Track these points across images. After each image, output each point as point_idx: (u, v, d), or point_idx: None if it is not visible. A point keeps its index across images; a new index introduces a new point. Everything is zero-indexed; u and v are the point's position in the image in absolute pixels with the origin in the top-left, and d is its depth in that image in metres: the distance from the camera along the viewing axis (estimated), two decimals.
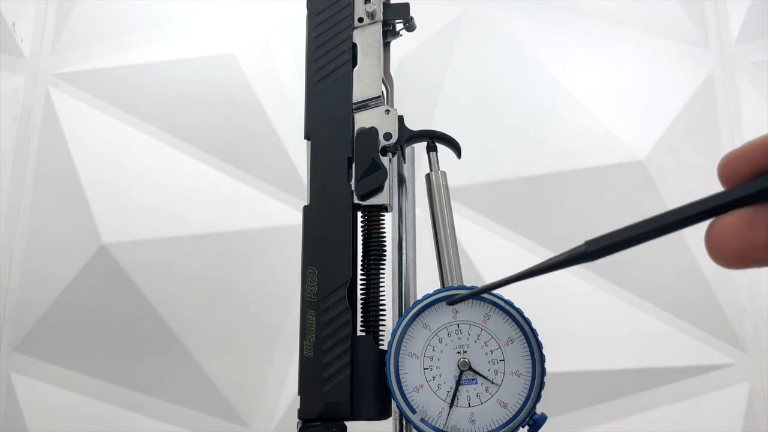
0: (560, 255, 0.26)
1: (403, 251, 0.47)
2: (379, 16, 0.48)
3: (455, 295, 0.39)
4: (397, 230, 0.48)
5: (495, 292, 0.39)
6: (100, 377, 0.91)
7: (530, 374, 0.38)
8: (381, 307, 0.45)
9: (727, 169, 0.23)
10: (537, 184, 0.99)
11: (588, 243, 0.25)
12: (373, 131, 0.45)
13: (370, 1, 0.48)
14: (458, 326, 0.39)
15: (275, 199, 0.97)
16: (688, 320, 0.94)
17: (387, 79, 0.50)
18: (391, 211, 0.46)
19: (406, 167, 0.49)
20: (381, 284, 0.45)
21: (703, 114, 1.03)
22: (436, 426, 0.38)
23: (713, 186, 0.22)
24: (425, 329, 0.40)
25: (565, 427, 0.91)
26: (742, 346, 0.94)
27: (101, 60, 1.02)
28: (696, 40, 1.06)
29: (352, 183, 0.44)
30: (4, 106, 0.98)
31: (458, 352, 0.39)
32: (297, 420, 0.41)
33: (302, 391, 0.41)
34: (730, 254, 0.22)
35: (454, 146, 0.48)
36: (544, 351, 0.38)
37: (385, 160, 0.45)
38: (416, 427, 0.38)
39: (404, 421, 0.43)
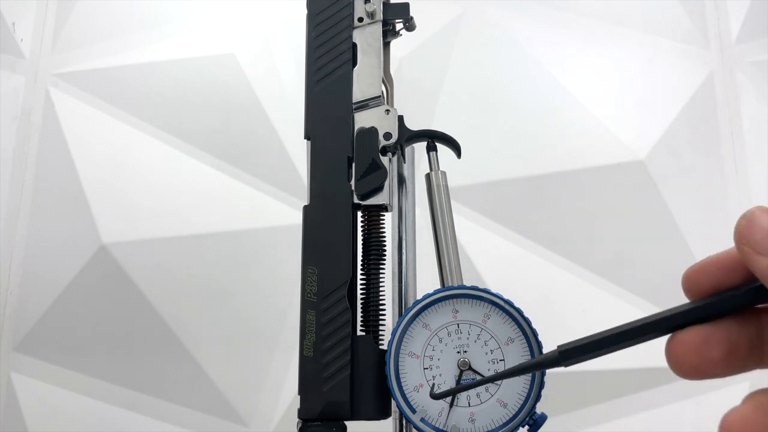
0: (534, 360, 0.27)
1: (403, 251, 0.47)
2: (379, 15, 0.48)
3: (455, 294, 0.40)
4: (397, 230, 0.48)
5: (495, 291, 0.39)
6: (100, 377, 0.91)
7: (530, 374, 0.38)
8: (381, 307, 0.45)
9: (688, 283, 0.25)
10: (537, 184, 0.99)
11: (561, 352, 0.26)
12: (373, 131, 0.45)
13: (370, 1, 0.48)
14: (458, 326, 0.39)
15: (275, 199, 0.97)
16: None
17: (387, 79, 0.50)
18: (391, 211, 0.46)
19: (406, 167, 0.49)
20: (381, 284, 0.45)
21: (703, 114, 1.03)
22: (436, 426, 0.38)
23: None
24: (425, 329, 0.40)
25: (565, 427, 0.91)
26: None
27: (101, 60, 1.02)
28: (696, 40, 1.06)
29: (352, 183, 0.44)
30: (4, 106, 0.98)
31: (458, 352, 0.39)
32: (297, 420, 0.41)
33: (302, 390, 0.41)
34: (687, 368, 0.24)
35: (454, 146, 0.48)
36: (544, 351, 0.38)
37: (385, 159, 0.45)
38: (416, 427, 0.38)
39: (404, 421, 0.43)
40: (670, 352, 0.24)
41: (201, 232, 0.96)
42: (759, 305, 0.24)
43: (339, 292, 0.42)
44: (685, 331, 0.24)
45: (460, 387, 0.37)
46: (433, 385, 0.39)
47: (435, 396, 0.37)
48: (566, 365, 0.26)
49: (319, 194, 0.44)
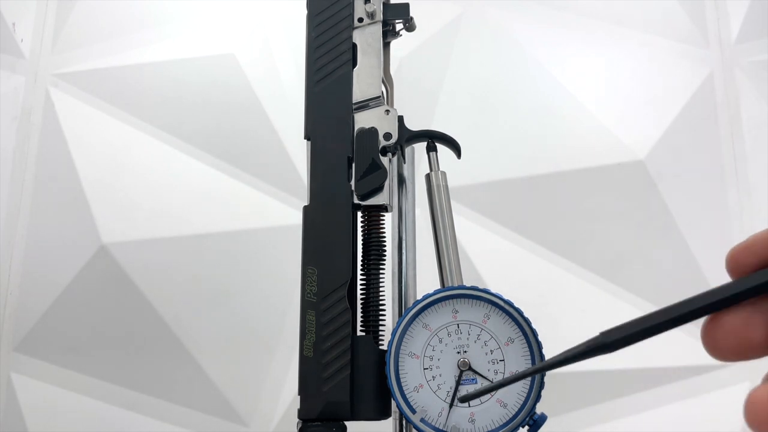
0: (578, 346, 0.25)
1: (403, 251, 0.47)
2: (379, 16, 0.48)
3: (455, 294, 0.40)
4: (397, 230, 0.48)
5: (494, 291, 0.39)
6: (100, 377, 0.91)
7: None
8: (381, 307, 0.45)
9: (733, 262, 0.24)
10: (537, 184, 0.99)
11: (603, 334, 0.25)
12: (373, 131, 0.45)
13: (370, 1, 0.48)
14: (458, 326, 0.39)
15: (275, 199, 0.97)
16: None
17: (387, 79, 0.50)
18: (391, 211, 0.46)
19: (406, 167, 0.49)
20: (381, 284, 0.45)
21: (703, 114, 1.03)
22: (436, 426, 0.38)
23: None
24: (425, 329, 0.40)
25: (565, 427, 0.91)
26: None
27: (101, 60, 1.02)
28: (696, 40, 1.06)
29: (352, 183, 0.44)
30: (4, 106, 0.98)
31: (458, 352, 0.39)
32: (297, 420, 0.41)
33: (302, 390, 0.41)
34: (725, 351, 0.23)
35: (454, 146, 0.48)
36: (544, 351, 0.38)
37: (385, 160, 0.45)
38: (416, 427, 0.38)
39: (404, 421, 0.43)
40: (708, 335, 0.23)
41: (201, 232, 0.96)
42: None
43: (339, 293, 0.42)
44: (724, 313, 0.23)
45: (496, 384, 0.30)
46: (435, 382, 0.39)
47: (463, 399, 0.36)
48: (612, 350, 0.25)
49: (319, 194, 0.44)
